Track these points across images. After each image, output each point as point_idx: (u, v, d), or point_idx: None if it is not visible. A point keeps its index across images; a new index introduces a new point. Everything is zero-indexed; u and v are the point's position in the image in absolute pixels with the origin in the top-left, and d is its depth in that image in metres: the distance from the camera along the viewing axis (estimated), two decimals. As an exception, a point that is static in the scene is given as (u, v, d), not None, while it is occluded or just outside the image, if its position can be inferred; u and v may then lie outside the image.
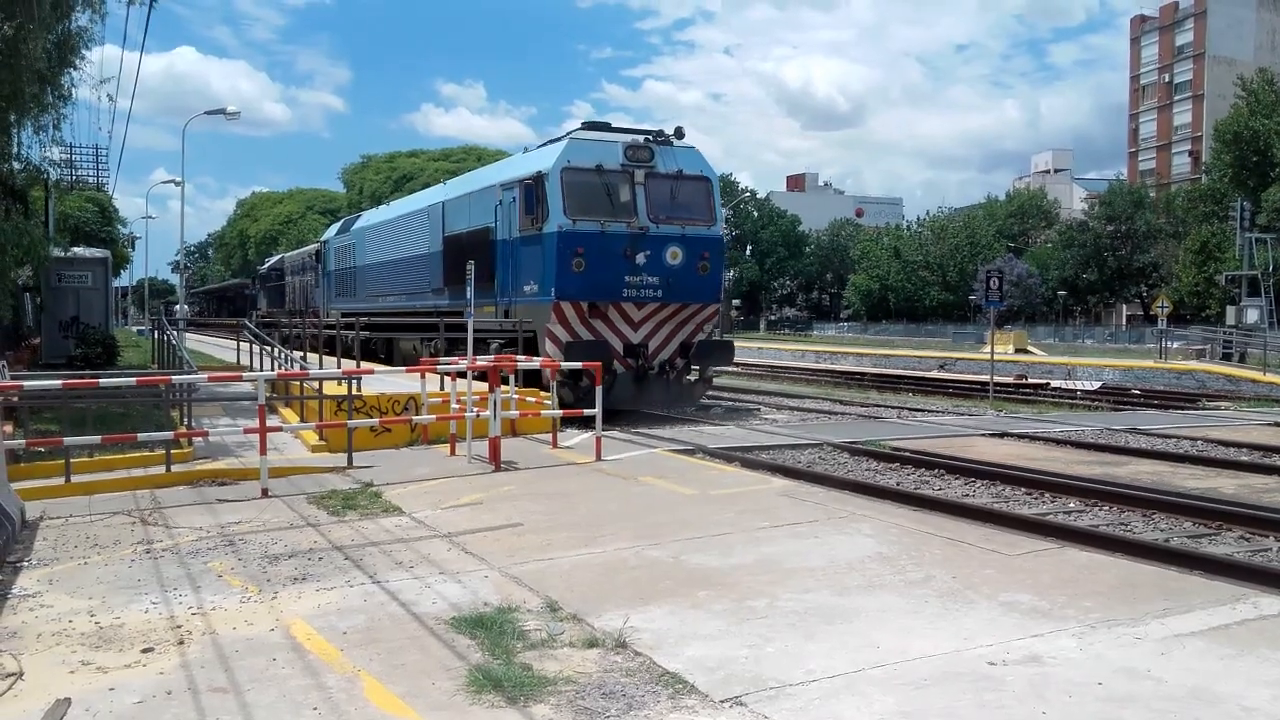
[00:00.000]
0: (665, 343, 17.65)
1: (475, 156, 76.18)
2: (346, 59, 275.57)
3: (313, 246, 36.08)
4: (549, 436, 13.46)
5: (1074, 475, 11.64)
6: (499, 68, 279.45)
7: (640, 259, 16.86)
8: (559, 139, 17.94)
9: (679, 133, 17.89)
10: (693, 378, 18.32)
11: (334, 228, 33.09)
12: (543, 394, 14.98)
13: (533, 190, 16.84)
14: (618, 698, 4.71)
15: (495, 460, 11.47)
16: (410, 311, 22.59)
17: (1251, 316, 37.94)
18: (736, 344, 23.38)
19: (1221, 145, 60.63)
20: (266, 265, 46.56)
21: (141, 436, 10.63)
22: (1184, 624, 5.71)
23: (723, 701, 4.65)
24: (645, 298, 17.12)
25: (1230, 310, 40.04)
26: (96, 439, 10.27)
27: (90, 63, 16.36)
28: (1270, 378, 29.67)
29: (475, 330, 17.43)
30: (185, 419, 12.50)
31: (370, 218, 28.94)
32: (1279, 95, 59.02)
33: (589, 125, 18.23)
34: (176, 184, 50.08)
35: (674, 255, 17.08)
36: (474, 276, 16.16)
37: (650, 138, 17.60)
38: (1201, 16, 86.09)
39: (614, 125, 18.29)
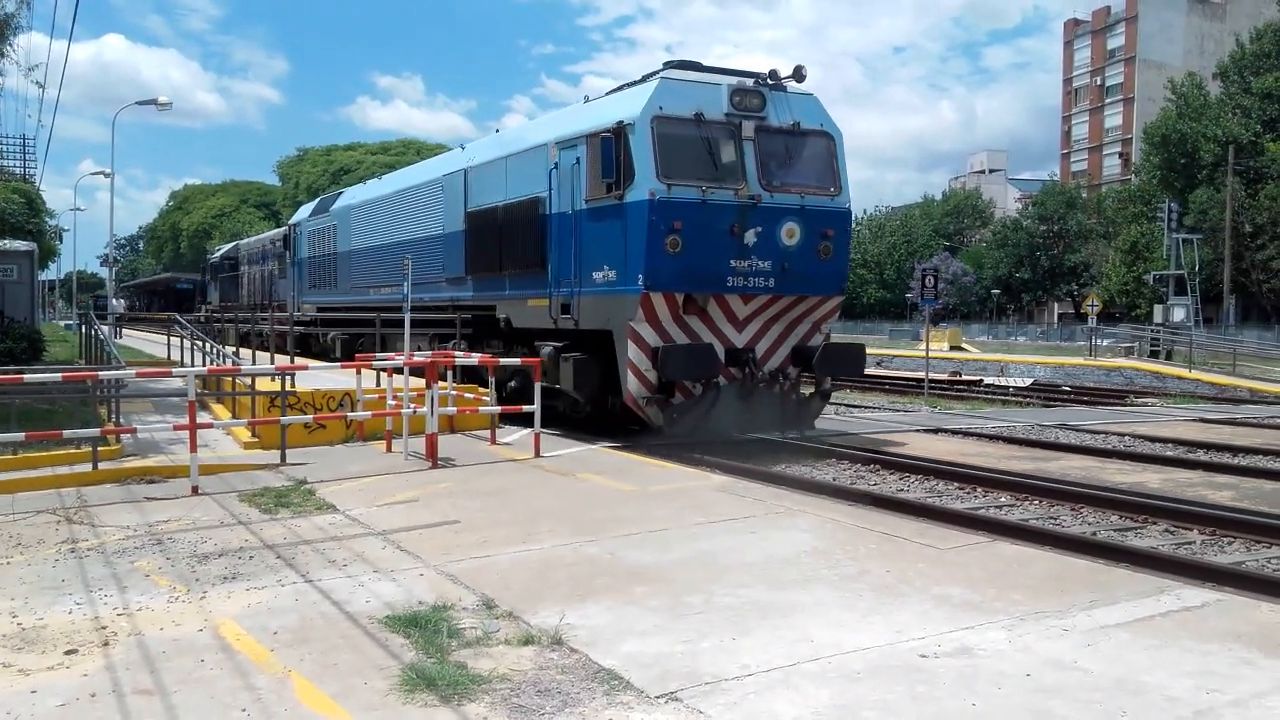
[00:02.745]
0: (776, 346, 14.01)
1: (415, 150, 75.54)
2: (283, 50, 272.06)
3: (278, 231, 32.75)
4: (488, 433, 13.37)
5: (1006, 470, 11.85)
6: (438, 61, 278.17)
7: (750, 238, 13.20)
8: (642, 80, 13.96)
9: (798, 73, 13.62)
10: (808, 391, 14.75)
11: (307, 208, 28.94)
12: (481, 390, 14.79)
13: (611, 146, 12.95)
14: (553, 695, 4.68)
15: (432, 457, 11.36)
16: (416, 305, 18.11)
17: (1178, 315, 38.95)
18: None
19: (1150, 147, 62.14)
20: (219, 254, 42.59)
21: (67, 433, 10.34)
22: (1110, 616, 5.82)
23: (658, 697, 4.64)
24: (754, 288, 13.44)
25: (1158, 309, 41.04)
26: (20, 436, 10.00)
27: (18, 49, 15.89)
28: (1195, 374, 30.46)
29: (518, 328, 15.63)
30: (113, 416, 12.22)
31: (358, 194, 24.71)
32: (1207, 99, 60.62)
33: (677, 64, 14.01)
34: (106, 175, 48.90)
35: (790, 233, 13.45)
36: (519, 261, 14.26)
37: (760, 79, 13.73)
38: (1132, 21, 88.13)
39: (704, 65, 14.22)
